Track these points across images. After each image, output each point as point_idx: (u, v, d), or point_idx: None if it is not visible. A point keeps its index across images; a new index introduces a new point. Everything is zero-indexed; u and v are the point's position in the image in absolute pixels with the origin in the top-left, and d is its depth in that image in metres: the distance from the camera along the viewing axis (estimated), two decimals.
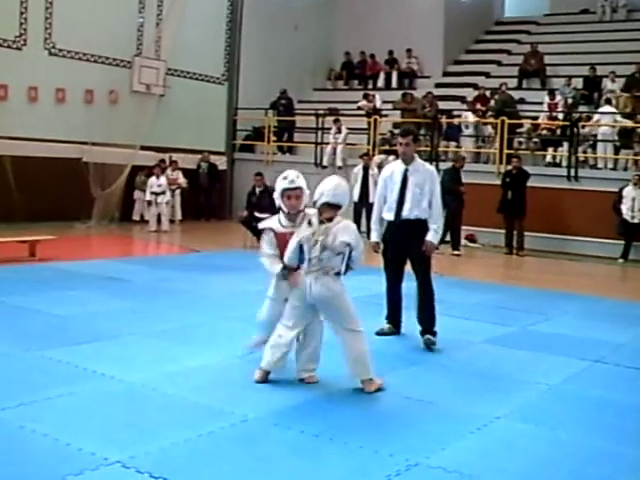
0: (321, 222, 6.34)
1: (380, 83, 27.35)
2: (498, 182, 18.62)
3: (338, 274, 6.38)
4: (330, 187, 6.36)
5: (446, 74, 27.26)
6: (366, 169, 19.14)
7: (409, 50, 26.95)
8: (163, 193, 20.06)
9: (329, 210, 6.35)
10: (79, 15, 20.04)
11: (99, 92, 20.95)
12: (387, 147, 21.64)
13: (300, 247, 6.39)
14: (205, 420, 5.59)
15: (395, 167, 8.55)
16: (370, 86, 27.18)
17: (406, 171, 8.36)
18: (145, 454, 4.92)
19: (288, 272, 6.54)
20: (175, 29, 21.96)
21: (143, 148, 21.02)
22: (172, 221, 20.79)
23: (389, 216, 8.48)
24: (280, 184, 6.62)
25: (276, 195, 6.69)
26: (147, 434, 5.26)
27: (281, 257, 6.57)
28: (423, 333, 8.30)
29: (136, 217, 21.15)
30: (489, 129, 21.44)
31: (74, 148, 19.79)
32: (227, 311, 9.60)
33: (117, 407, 5.80)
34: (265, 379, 6.49)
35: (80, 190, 19.09)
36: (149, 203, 20.12)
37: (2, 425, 5.31)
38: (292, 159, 23.20)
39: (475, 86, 24.52)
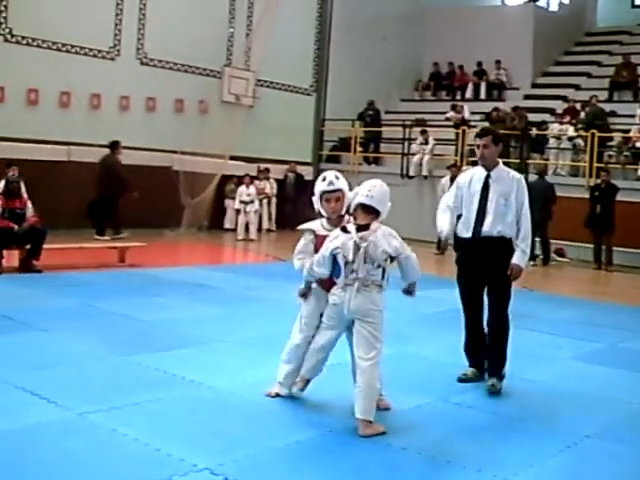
0: (357, 229, 5.72)
1: (468, 94, 27.17)
2: (587, 196, 18.34)
3: (381, 287, 5.76)
4: (365, 187, 5.74)
5: (535, 86, 26.97)
6: (453, 180, 18.92)
7: (498, 61, 26.71)
8: (252, 202, 20.30)
9: (364, 215, 5.71)
10: (170, 26, 20.39)
11: (189, 102, 21.27)
12: (476, 158, 21.49)
13: (334, 258, 5.77)
14: (292, 429, 5.62)
15: (475, 173, 7.25)
16: (458, 97, 27.05)
17: (487, 177, 7.08)
18: (233, 462, 4.96)
19: (307, 290, 6.23)
20: (265, 40, 22.17)
21: (232, 158, 21.26)
22: (259, 230, 20.97)
23: (465, 232, 7.13)
24: (319, 186, 6.05)
25: (315, 199, 6.12)
26: (235, 442, 5.30)
27: None
28: (489, 375, 7.09)
29: (228, 225, 21.35)
30: (579, 142, 21.11)
31: (164, 157, 20.10)
32: None
33: (205, 414, 5.87)
34: (305, 387, 6.21)
35: (170, 198, 19.35)
36: (237, 212, 20.40)
37: (95, 427, 5.42)
38: (378, 170, 23.18)
39: (564, 98, 24.17)
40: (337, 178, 6.07)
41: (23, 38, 18.14)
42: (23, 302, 9.89)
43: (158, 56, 20.67)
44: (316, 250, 6.04)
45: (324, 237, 5.98)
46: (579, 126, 21.29)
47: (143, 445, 5.15)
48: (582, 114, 22.11)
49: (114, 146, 18.34)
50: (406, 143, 23.02)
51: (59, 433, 5.30)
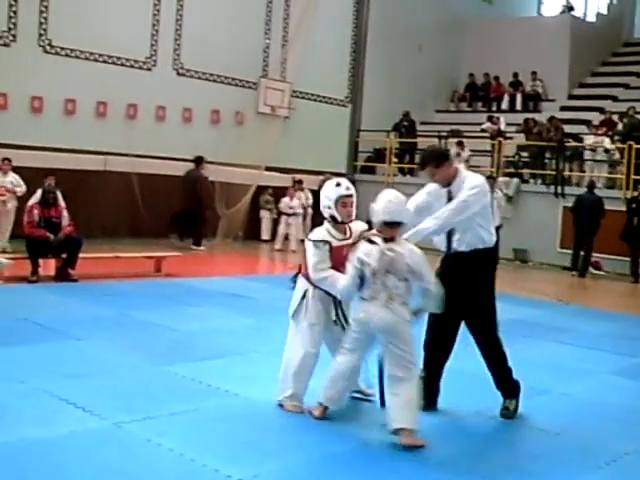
0: (384, 240, 5.70)
1: (504, 105, 27.07)
2: (624, 208, 18.18)
3: (406, 304, 5.69)
4: (383, 204, 5.68)
5: (571, 97, 26.78)
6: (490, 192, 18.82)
7: (534, 73, 26.58)
8: (294, 214, 20.14)
9: (388, 229, 5.69)
10: (207, 37, 20.49)
11: (225, 113, 21.35)
12: (512, 170, 21.41)
13: (361, 273, 5.70)
14: (327, 441, 5.60)
15: (437, 188, 6.57)
16: (494, 108, 26.93)
17: (449, 193, 6.41)
18: (268, 473, 4.95)
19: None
20: (300, 51, 22.23)
21: (267, 169, 21.31)
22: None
23: (441, 247, 6.61)
24: (336, 191, 6.22)
25: (329, 203, 6.23)
26: (270, 453, 5.30)
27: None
28: (504, 397, 6.62)
29: (265, 236, 21.30)
30: (616, 154, 20.90)
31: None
32: None
33: (240, 424, 5.86)
34: (325, 415, 5.98)
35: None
36: (275, 222, 20.35)
37: (130, 437, 5.44)
38: (413, 181, 23.09)
39: (601, 110, 23.98)
40: (351, 184, 6.34)
41: (62, 49, 18.30)
42: (59, 311, 9.98)
43: (194, 67, 20.76)
44: (332, 260, 6.13)
45: (340, 247, 6.17)
46: (616, 138, 21.10)
47: (178, 455, 5.15)
48: (619, 126, 21.92)
49: (198, 161, 19.11)
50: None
51: (94, 442, 5.31)
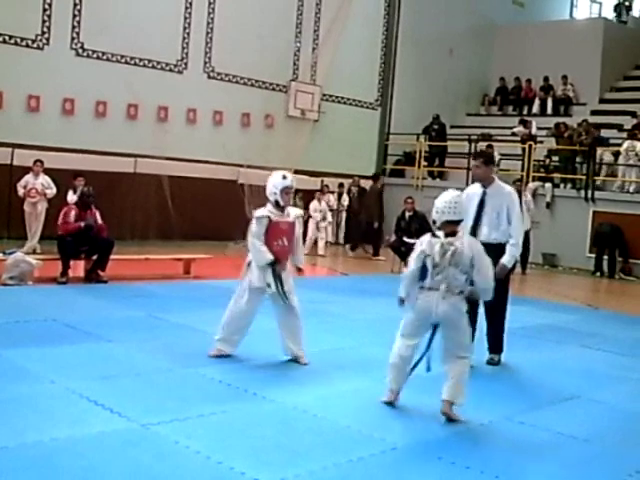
0: (445, 235, 6.18)
1: (535, 109, 26.93)
2: None
3: (462, 293, 6.20)
4: (447, 205, 6.20)
5: (603, 101, 26.59)
6: (520, 195, 18.69)
7: (565, 77, 26.42)
8: (324, 219, 20.04)
9: (450, 226, 6.20)
10: (238, 40, 20.58)
11: (255, 116, 21.43)
12: (543, 174, 21.29)
13: (422, 263, 6.19)
14: (355, 445, 5.57)
15: (475, 189, 8.33)
16: (525, 112, 26.81)
17: (484, 194, 8.20)
18: (295, 477, 4.94)
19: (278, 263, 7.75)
20: (331, 54, 22.25)
21: (296, 172, 21.27)
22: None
23: None
24: (282, 182, 7.72)
25: (275, 190, 7.71)
26: (297, 456, 5.28)
27: (267, 244, 7.71)
28: (491, 351, 8.46)
29: None
30: None
31: (230, 170, 20.22)
32: (376, 336, 9.53)
33: (268, 428, 5.85)
34: (395, 400, 6.46)
35: (235, 211, 19.39)
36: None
37: (158, 439, 5.44)
38: (442, 184, 22.99)
39: (633, 114, 23.75)
40: (293, 177, 7.91)
41: (93, 52, 18.45)
42: (88, 312, 10.02)
43: (225, 70, 20.86)
44: (267, 233, 7.72)
45: (277, 222, 7.75)
46: None
47: (205, 458, 5.15)
48: None
49: (376, 178, 20.69)
50: (471, 158, 22.78)
51: (121, 443, 5.33)
